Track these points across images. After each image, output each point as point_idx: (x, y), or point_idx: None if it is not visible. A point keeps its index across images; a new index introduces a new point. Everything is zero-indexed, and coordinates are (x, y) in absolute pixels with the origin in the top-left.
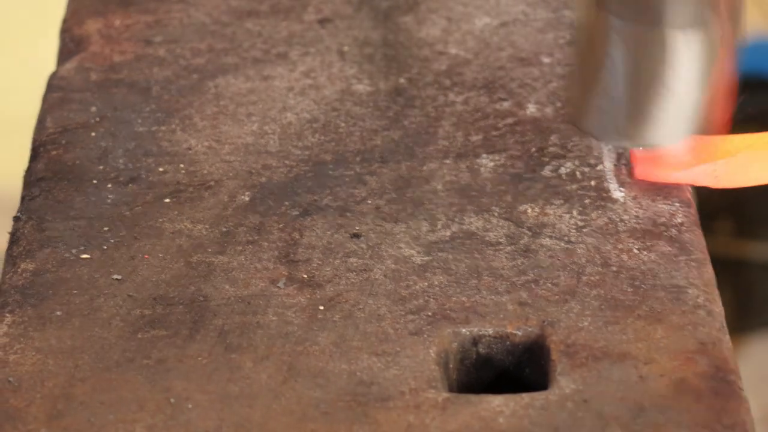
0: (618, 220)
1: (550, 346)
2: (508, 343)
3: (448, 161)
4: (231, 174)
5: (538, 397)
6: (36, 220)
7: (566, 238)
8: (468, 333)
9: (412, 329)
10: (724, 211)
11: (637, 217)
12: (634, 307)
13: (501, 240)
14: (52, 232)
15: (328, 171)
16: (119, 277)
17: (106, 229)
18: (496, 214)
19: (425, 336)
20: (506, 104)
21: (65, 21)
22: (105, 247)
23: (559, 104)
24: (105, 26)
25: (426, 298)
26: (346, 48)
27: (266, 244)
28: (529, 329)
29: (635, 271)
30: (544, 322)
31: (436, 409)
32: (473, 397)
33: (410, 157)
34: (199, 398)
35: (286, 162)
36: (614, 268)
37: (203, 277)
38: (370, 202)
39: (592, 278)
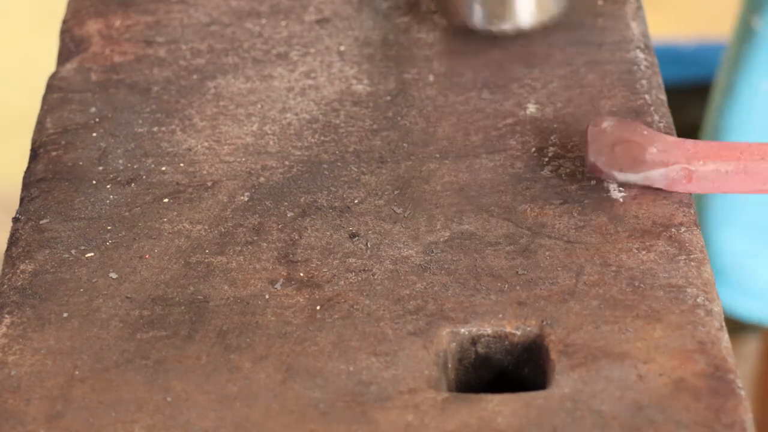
0: (617, 220)
1: (549, 346)
2: (506, 342)
3: (447, 161)
4: (230, 174)
5: (536, 396)
6: (35, 221)
7: (565, 238)
8: (467, 333)
9: (410, 329)
10: None
11: (636, 217)
12: (633, 307)
13: (500, 240)
14: (52, 232)
15: (327, 171)
16: (116, 276)
17: (105, 229)
18: (495, 214)
19: (424, 336)
20: (506, 104)
21: (65, 21)
22: (104, 248)
23: (559, 104)
24: (105, 27)
25: (425, 298)
26: (343, 47)
27: (265, 244)
28: (528, 329)
29: (634, 271)
30: (543, 321)
31: (435, 409)
32: (472, 397)
33: (409, 157)
34: (198, 398)
35: (286, 162)
36: (613, 268)
37: (202, 278)
38: (369, 202)
39: (591, 278)
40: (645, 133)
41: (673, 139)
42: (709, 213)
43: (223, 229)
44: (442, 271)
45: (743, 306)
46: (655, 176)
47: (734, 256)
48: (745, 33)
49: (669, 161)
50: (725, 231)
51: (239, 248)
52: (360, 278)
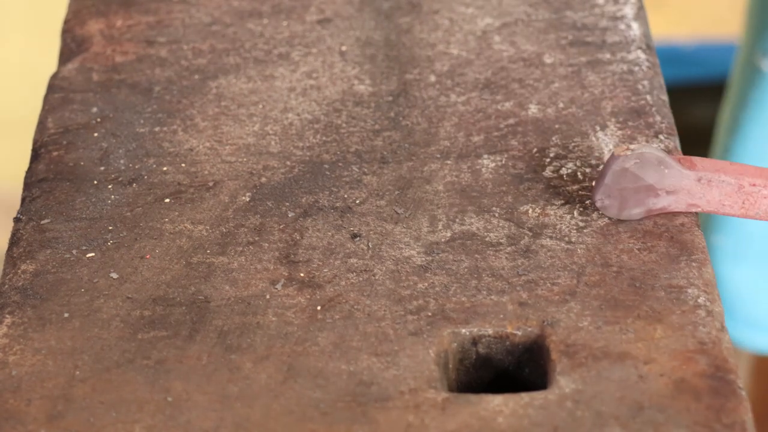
0: (618, 220)
1: (550, 346)
2: (507, 343)
3: (449, 162)
4: (232, 175)
5: (537, 396)
6: (36, 221)
7: (567, 239)
8: (468, 333)
9: (411, 329)
10: None
11: None
12: (634, 307)
13: (501, 240)
14: (53, 233)
15: (328, 172)
16: (117, 276)
17: (106, 229)
18: (496, 214)
19: (425, 336)
20: (508, 105)
21: (66, 21)
22: (105, 248)
23: (561, 104)
24: (106, 27)
25: (426, 298)
26: (344, 48)
27: (267, 244)
28: (529, 329)
29: (635, 272)
30: (544, 322)
31: (436, 409)
32: (473, 397)
33: (411, 157)
34: (199, 399)
35: (287, 163)
36: (614, 269)
37: (203, 278)
38: (370, 202)
39: (593, 278)
40: (666, 171)
41: (684, 173)
42: (718, 248)
43: (224, 230)
44: (444, 272)
45: (753, 339)
46: (656, 210)
47: (744, 291)
48: (751, 73)
49: (673, 205)
50: (734, 266)
51: (240, 248)
52: (361, 278)
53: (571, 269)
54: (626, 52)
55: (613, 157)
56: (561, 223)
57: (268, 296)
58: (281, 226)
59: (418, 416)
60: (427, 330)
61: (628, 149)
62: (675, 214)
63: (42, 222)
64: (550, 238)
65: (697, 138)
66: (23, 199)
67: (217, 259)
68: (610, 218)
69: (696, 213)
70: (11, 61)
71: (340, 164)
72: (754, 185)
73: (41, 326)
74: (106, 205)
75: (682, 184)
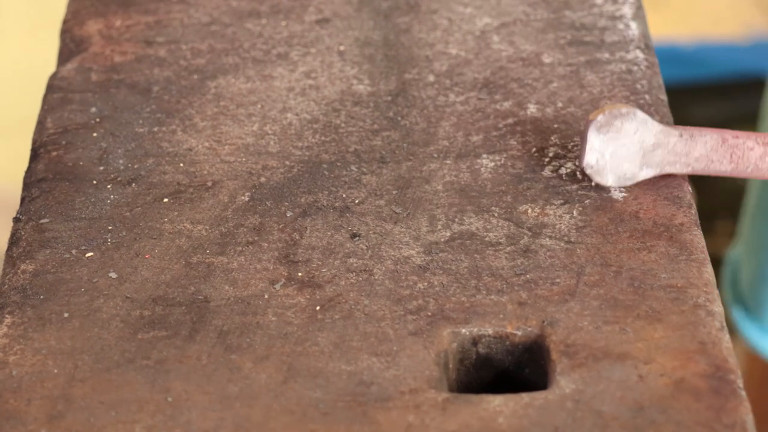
0: (618, 220)
1: (550, 346)
2: (507, 343)
3: (448, 161)
4: (231, 174)
5: (537, 396)
6: (36, 221)
7: (566, 239)
8: (468, 333)
9: (411, 329)
10: (724, 210)
11: (637, 217)
12: (633, 307)
13: (501, 240)
14: (52, 232)
15: (327, 171)
16: (116, 276)
17: (106, 229)
18: (496, 214)
19: (425, 336)
20: (506, 104)
21: (66, 21)
22: (105, 248)
23: (559, 104)
24: (105, 27)
25: (426, 298)
26: (343, 47)
27: (266, 244)
28: (529, 329)
29: (635, 271)
30: (543, 322)
31: (436, 409)
32: (473, 397)
33: (410, 157)
34: (199, 399)
35: (286, 162)
36: (614, 268)
37: (203, 278)
38: (370, 202)
39: (592, 278)
40: (647, 124)
41: (664, 128)
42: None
43: (223, 229)
44: (443, 272)
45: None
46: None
47: None
48: None
49: (661, 165)
50: None
51: (240, 248)
52: (361, 278)
53: (570, 269)
54: (625, 51)
55: (590, 119)
56: (560, 223)
57: (267, 296)
58: (280, 226)
59: (419, 416)
60: (427, 330)
61: (603, 110)
62: (674, 214)
63: (41, 222)
64: (550, 237)
65: None
66: (22, 199)
67: (217, 259)
68: (600, 186)
69: (695, 212)
70: (11, 61)
71: (339, 164)
72: (737, 137)
73: (41, 326)
74: (105, 205)
75: (667, 141)
